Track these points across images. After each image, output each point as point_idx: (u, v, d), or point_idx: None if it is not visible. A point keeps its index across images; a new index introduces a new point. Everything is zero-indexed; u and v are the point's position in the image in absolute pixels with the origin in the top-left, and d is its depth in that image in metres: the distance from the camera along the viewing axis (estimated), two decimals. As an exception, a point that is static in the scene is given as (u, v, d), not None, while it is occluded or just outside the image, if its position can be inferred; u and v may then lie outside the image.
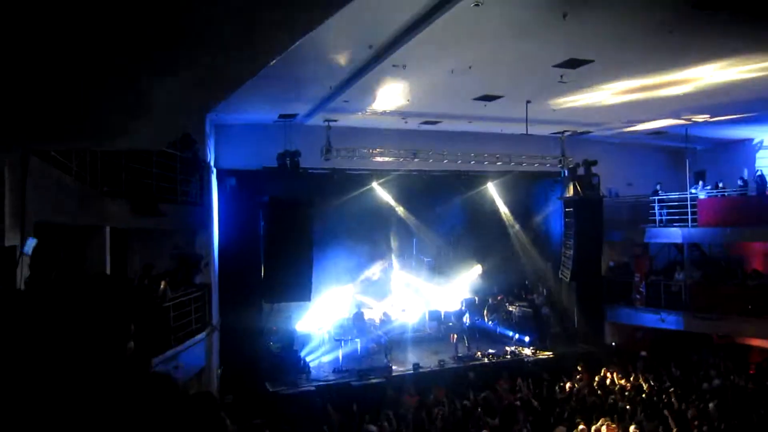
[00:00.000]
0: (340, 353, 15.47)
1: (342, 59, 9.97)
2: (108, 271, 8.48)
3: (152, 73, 1.70)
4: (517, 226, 20.16)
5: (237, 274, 14.58)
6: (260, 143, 15.15)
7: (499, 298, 19.70)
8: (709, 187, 17.37)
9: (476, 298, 19.00)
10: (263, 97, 12.43)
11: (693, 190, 17.18)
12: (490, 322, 18.41)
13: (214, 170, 14.58)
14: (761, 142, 18.85)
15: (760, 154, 18.87)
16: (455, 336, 16.74)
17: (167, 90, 1.88)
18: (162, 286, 10.78)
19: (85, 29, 1.45)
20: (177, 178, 11.77)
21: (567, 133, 17.07)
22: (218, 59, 1.69)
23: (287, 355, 15.20)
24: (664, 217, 17.71)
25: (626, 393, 14.07)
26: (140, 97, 1.90)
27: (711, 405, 12.65)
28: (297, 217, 14.36)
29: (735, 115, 14.77)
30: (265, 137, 15.18)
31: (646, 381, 14.85)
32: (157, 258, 12.15)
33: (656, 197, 17.93)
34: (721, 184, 17.25)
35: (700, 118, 15.13)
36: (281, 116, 14.60)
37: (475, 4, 7.52)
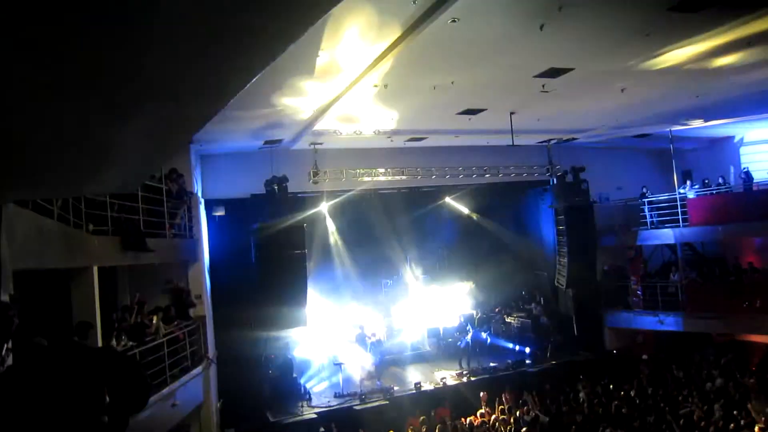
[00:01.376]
0: (340, 377, 15.28)
1: (321, 82, 9.95)
2: (97, 310, 8.33)
3: (106, 124, 1.63)
4: (510, 237, 20.13)
5: (231, 304, 14.41)
6: (247, 171, 15.10)
7: (496, 310, 19.60)
8: (697, 186, 17.44)
9: (474, 312, 18.89)
10: (246, 127, 12.41)
11: (681, 190, 17.24)
12: (487, 336, 18.27)
13: (202, 201, 14.48)
14: (742, 138, 19.01)
15: (743, 150, 19.02)
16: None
17: (126, 138, 1.81)
18: (154, 322, 10.63)
19: (35, 81, 1.38)
20: (165, 212, 11.66)
21: (553, 141, 17.13)
22: (173, 108, 1.63)
23: (287, 383, 15.00)
24: (655, 219, 17.75)
25: (630, 399, 13.97)
26: (99, 146, 1.83)
27: (716, 405, 12.59)
28: (288, 243, 14.25)
29: (723, 119, 14.89)
30: (252, 164, 15.13)
31: (650, 385, 14.75)
32: (148, 293, 11.97)
33: (645, 199, 17.98)
34: (707, 181, 17.33)
35: (686, 120, 15.24)
36: (266, 142, 14.56)
37: (452, 21, 7.53)
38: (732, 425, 11.44)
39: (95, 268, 8.36)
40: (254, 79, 1.53)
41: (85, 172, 2.10)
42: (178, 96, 1.55)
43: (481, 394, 14.83)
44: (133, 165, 2.18)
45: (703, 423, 11.78)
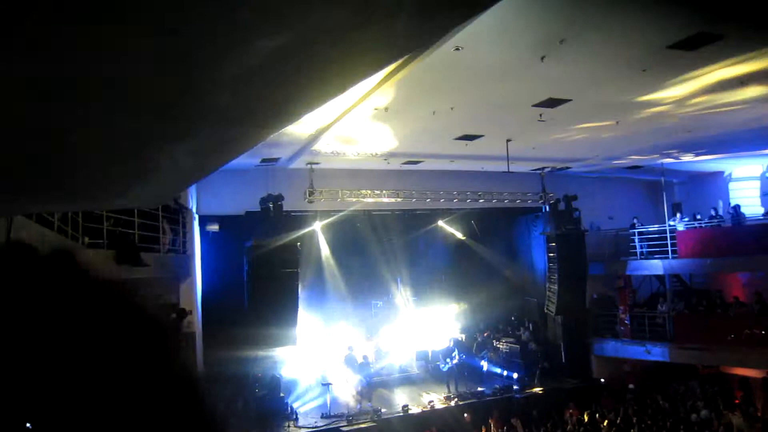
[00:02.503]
0: (328, 398, 15.14)
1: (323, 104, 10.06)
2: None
3: (161, 143, 1.69)
4: (501, 262, 20.24)
5: (221, 321, 14.31)
6: (243, 188, 15.11)
7: (485, 334, 19.58)
8: (686, 219, 17.70)
9: (463, 336, 18.87)
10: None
11: (671, 222, 17.48)
12: (479, 360, 18.25)
13: (197, 217, 14.46)
14: (731, 174, 19.41)
15: (731, 186, 19.41)
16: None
17: (175, 157, 1.87)
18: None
19: (88, 96, 1.43)
20: (159, 227, 11.65)
21: (547, 169, 17.36)
22: (227, 131, 1.69)
23: (274, 402, 14.83)
24: (644, 250, 17.96)
25: (617, 429, 13.98)
26: (145, 164, 1.88)
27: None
28: (281, 261, 14.23)
29: (713, 155, 15.23)
30: (248, 182, 15.16)
31: (636, 415, 14.78)
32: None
33: (636, 230, 18.21)
34: (699, 216, 17.60)
35: (675, 153, 15.56)
36: (263, 160, 14.63)
37: (456, 49, 7.70)
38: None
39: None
40: (323, 105, 1.60)
41: (120, 188, 2.14)
42: (245, 121, 1.61)
43: (465, 415, 14.82)
44: (169, 182, 2.24)
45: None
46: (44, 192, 2.12)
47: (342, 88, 1.52)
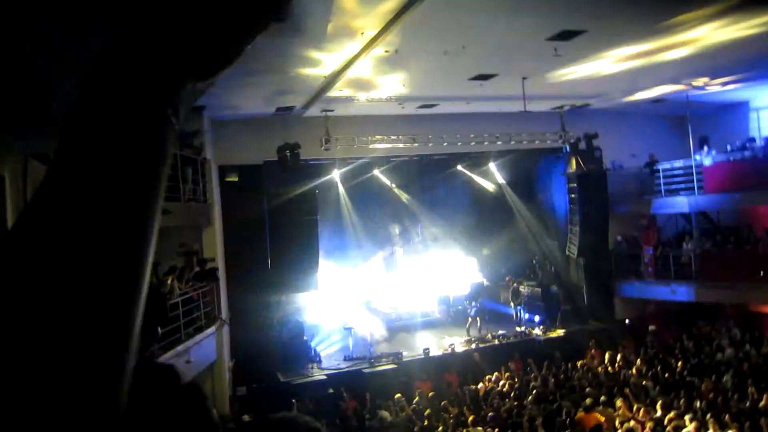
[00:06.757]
0: (350, 341, 15.53)
1: (332, 48, 9.92)
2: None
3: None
4: (521, 205, 20.08)
5: (244, 268, 14.67)
6: (260, 138, 15.13)
7: (507, 278, 19.65)
8: (714, 153, 17.01)
9: (484, 280, 18.98)
10: (258, 93, 12.44)
11: (697, 157, 16.86)
12: (501, 304, 18.40)
13: (215, 166, 14.63)
14: (749, 102, 18.50)
15: (761, 114, 18.51)
16: (470, 320, 16.84)
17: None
18: (169, 282, 10.89)
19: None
20: (179, 176, 11.84)
21: (566, 107, 16.90)
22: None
23: (297, 345, 15.31)
24: (668, 187, 17.46)
25: (639, 369, 14.00)
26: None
27: (726, 377, 12.53)
28: (300, 209, 14.41)
29: (734, 75, 14.53)
30: (265, 132, 15.16)
31: (657, 355, 14.75)
32: (163, 255, 12.24)
33: (659, 167, 17.66)
34: (729, 148, 16.84)
35: (700, 81, 14.90)
36: (278, 109, 14.59)
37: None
38: (736, 395, 11.40)
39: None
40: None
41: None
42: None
43: (475, 354, 15.08)
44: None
45: (711, 394, 11.72)
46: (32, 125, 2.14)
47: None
